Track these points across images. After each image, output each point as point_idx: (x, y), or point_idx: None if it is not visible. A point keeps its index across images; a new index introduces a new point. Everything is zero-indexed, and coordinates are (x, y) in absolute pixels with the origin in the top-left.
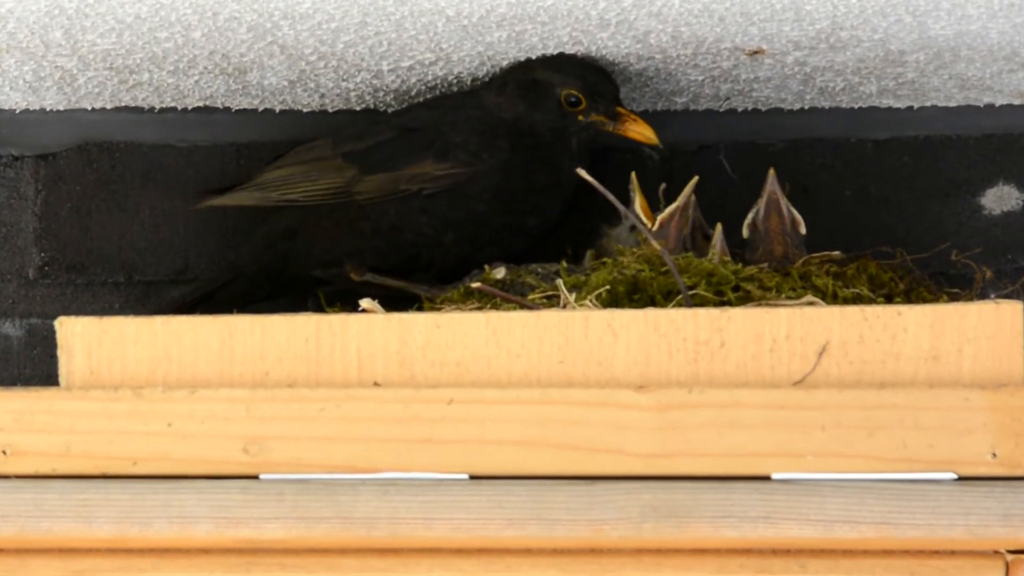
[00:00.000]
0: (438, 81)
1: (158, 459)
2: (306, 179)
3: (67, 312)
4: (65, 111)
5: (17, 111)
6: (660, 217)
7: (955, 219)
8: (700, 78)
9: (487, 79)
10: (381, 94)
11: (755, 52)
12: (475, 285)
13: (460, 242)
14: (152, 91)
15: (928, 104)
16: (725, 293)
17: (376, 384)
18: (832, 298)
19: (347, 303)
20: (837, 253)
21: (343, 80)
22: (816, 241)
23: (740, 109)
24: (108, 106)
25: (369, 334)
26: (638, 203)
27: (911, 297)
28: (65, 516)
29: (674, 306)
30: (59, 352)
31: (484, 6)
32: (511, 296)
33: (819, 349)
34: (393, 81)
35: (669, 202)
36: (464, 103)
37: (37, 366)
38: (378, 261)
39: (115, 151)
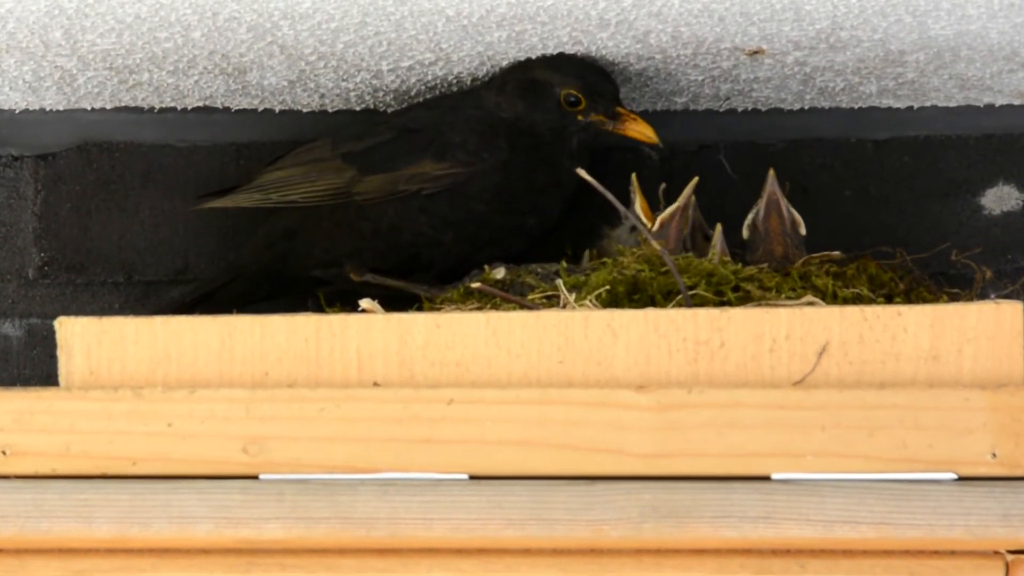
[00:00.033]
0: (438, 81)
1: (158, 459)
2: (305, 180)
3: (67, 312)
4: (65, 111)
5: (17, 111)
6: (660, 217)
7: (955, 219)
8: (700, 78)
9: (487, 79)
10: (381, 94)
11: (755, 52)
12: (475, 285)
13: (460, 242)
14: (152, 91)
15: (928, 104)
16: (725, 293)
17: (376, 384)
18: (832, 298)
19: (347, 303)
20: (837, 253)
21: (343, 80)
22: (816, 241)
23: (740, 109)
24: (108, 106)
25: (369, 334)
26: (638, 204)
27: (911, 297)
28: (65, 516)
29: (674, 306)
30: (59, 352)
31: (484, 6)
32: (511, 296)
33: (819, 349)
34: (393, 81)
35: (669, 202)
36: (463, 103)
37: (37, 366)
38: (378, 261)
39: (115, 151)
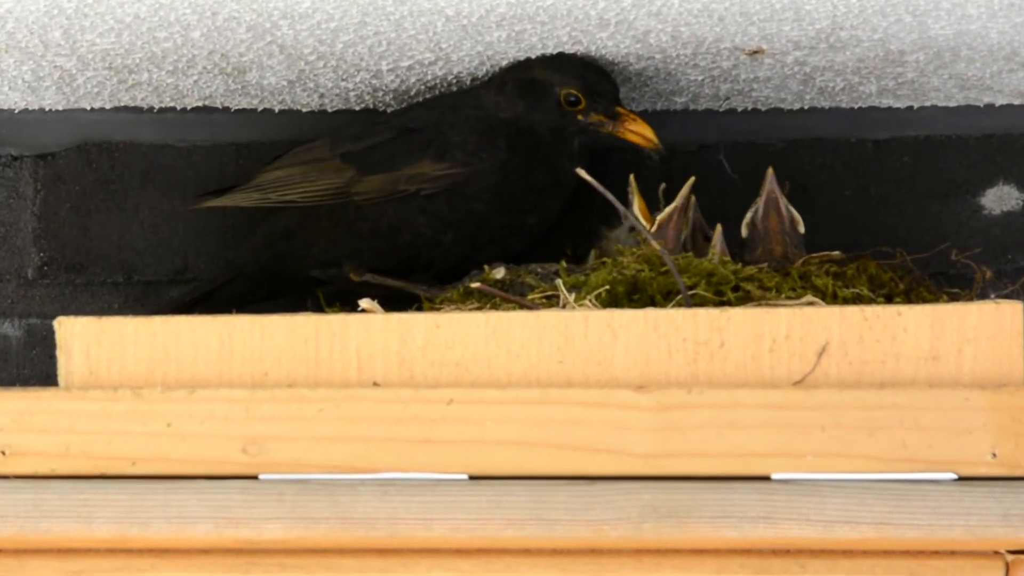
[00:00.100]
0: (437, 81)
1: (157, 459)
2: (305, 180)
3: (66, 312)
4: (64, 111)
5: (16, 111)
6: (659, 218)
7: (955, 219)
8: (700, 78)
9: (486, 79)
10: (380, 94)
11: (755, 52)
12: (475, 285)
13: (459, 242)
14: (151, 91)
15: (928, 104)
16: (725, 293)
17: (375, 384)
18: (832, 298)
19: (346, 303)
20: (837, 253)
21: (342, 80)
22: (816, 241)
23: (740, 109)
24: (107, 106)
25: (368, 334)
26: (637, 206)
27: (911, 297)
28: (64, 516)
29: (674, 306)
30: (58, 352)
31: (484, 6)
32: (511, 296)
33: (819, 349)
34: (392, 81)
35: (669, 202)
36: (463, 103)
37: (36, 366)
38: (377, 261)
39: (114, 151)
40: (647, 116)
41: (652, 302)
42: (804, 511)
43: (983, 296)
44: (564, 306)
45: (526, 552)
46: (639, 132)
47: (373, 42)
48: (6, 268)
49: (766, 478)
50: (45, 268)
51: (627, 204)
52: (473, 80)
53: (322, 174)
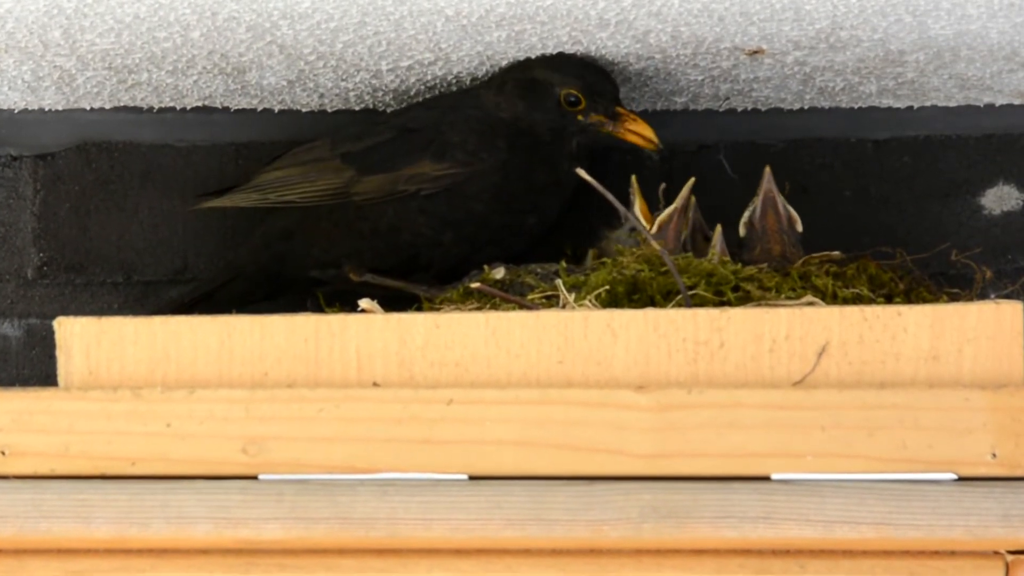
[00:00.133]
0: (437, 81)
1: (157, 459)
2: (304, 180)
3: (66, 312)
4: (64, 111)
5: (16, 111)
6: (659, 218)
7: (955, 219)
8: (700, 78)
9: (486, 79)
10: (380, 94)
11: (755, 52)
12: (474, 285)
13: (459, 242)
14: (151, 91)
15: (928, 104)
16: (725, 293)
17: (375, 384)
18: (832, 298)
19: (346, 303)
20: (837, 253)
21: (342, 80)
22: (816, 241)
23: (740, 109)
24: (107, 106)
25: (368, 334)
26: (638, 206)
27: (911, 297)
28: (64, 516)
29: (674, 306)
30: (58, 352)
31: (483, 6)
32: (510, 296)
33: (819, 349)
34: (392, 81)
35: (669, 203)
36: (462, 103)
37: (36, 366)
38: (377, 262)
39: (114, 151)
40: (647, 116)
41: (652, 302)
42: (804, 511)
43: (983, 296)
44: (564, 306)
45: (526, 552)
46: (639, 132)
47: (373, 42)
48: (6, 268)
49: (766, 478)
50: (45, 268)
51: (628, 204)
52: (473, 80)
53: (321, 174)
